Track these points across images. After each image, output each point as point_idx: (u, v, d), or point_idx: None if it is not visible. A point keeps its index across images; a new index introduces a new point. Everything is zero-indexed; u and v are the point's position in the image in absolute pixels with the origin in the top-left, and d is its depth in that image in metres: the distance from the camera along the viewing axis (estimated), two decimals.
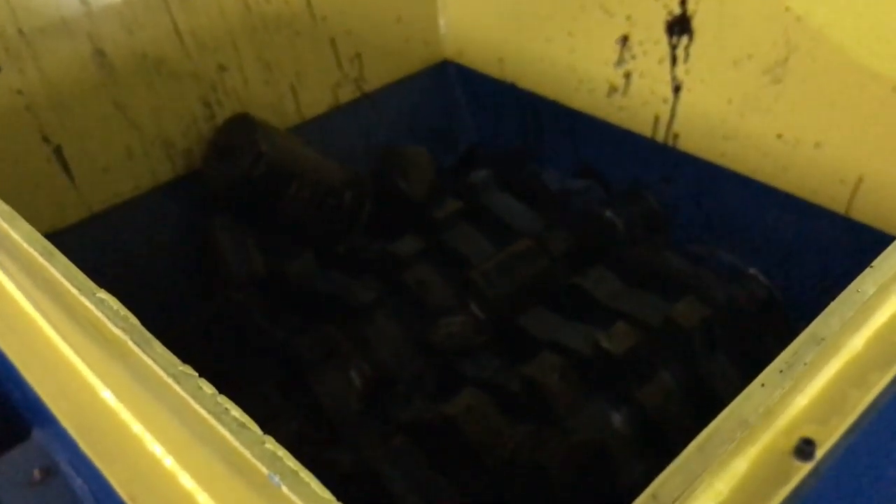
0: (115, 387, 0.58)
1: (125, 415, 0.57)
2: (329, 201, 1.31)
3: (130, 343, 0.52)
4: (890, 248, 0.58)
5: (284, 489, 0.42)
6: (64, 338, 0.62)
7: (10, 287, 0.67)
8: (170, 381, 0.49)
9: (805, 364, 0.51)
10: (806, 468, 0.49)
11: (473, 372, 1.10)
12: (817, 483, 0.49)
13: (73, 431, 0.66)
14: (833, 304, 0.54)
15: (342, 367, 1.09)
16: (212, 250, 1.27)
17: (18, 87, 1.12)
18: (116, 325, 0.54)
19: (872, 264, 0.57)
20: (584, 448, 0.99)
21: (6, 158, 1.12)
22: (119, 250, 1.25)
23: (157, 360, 0.51)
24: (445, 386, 1.09)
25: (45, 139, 1.15)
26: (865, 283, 0.56)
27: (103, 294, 0.56)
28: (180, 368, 0.50)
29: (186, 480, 0.51)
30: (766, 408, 0.49)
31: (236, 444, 0.45)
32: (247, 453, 0.44)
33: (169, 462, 0.53)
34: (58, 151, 1.17)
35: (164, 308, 1.09)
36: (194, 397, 0.48)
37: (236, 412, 0.47)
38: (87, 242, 1.20)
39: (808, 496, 0.48)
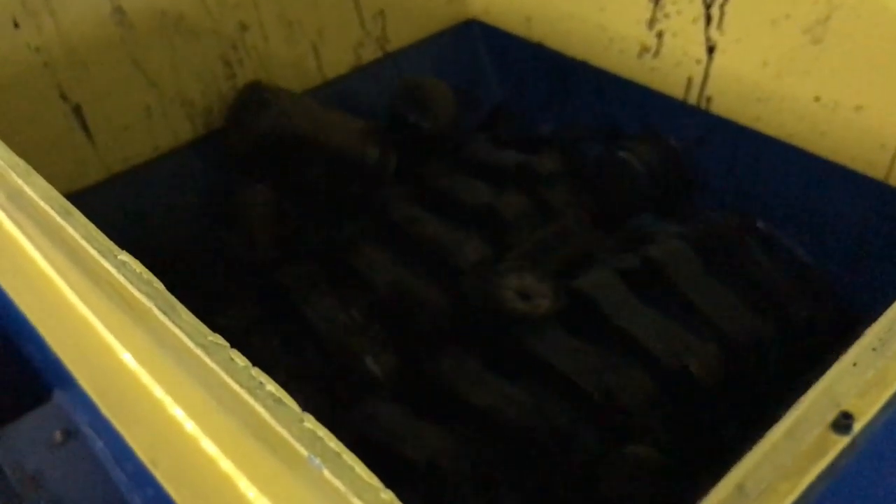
0: (135, 350, 0.57)
1: (146, 378, 0.56)
2: (349, 164, 1.30)
3: (155, 310, 0.51)
4: None
5: (326, 473, 0.40)
6: (83, 300, 0.61)
7: (29, 247, 0.66)
8: (199, 351, 0.48)
9: None
10: (843, 441, 0.48)
11: (542, 350, 1.02)
12: (854, 457, 0.48)
13: (93, 394, 0.66)
14: None
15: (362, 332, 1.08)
16: (237, 211, 1.26)
17: (37, 45, 1.11)
18: (140, 289, 0.52)
19: None
20: None
21: (24, 116, 1.12)
22: (138, 211, 1.24)
23: (184, 328, 0.49)
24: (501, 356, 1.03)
25: (64, 97, 1.15)
26: None
27: (125, 256, 0.55)
28: (210, 338, 0.48)
29: (208, 445, 0.50)
30: (858, 389, 0.47)
31: (272, 421, 0.43)
32: (284, 432, 0.42)
33: (190, 426, 0.52)
34: (76, 110, 1.16)
35: (183, 270, 1.08)
36: (226, 370, 0.46)
37: (272, 386, 0.44)
38: (106, 203, 1.19)
39: (844, 470, 0.47)
